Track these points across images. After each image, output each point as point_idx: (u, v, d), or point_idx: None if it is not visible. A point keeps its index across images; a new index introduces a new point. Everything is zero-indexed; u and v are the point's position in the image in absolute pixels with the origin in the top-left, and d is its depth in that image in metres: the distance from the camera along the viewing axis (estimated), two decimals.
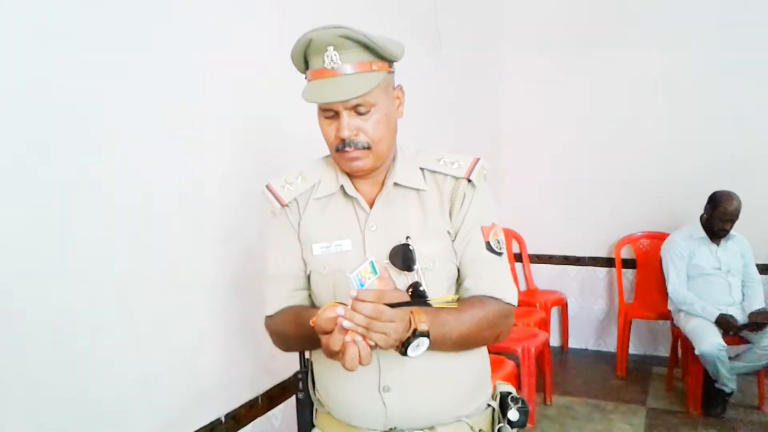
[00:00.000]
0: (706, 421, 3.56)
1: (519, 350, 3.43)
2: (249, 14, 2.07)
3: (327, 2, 2.48)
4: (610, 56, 4.45)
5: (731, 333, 3.47)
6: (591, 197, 4.62)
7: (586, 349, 4.80)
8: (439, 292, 1.33)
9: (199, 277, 1.87)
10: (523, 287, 4.77)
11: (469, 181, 1.39)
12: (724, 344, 3.40)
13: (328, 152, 1.41)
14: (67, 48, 1.44)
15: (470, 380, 1.41)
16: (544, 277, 4.81)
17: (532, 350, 3.47)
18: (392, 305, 1.10)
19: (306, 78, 1.33)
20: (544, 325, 4.20)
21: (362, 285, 1.13)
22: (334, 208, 1.42)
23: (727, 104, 4.20)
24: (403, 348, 1.14)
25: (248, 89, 2.06)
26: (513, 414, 1.39)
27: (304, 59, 1.31)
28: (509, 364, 3.15)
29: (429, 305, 1.14)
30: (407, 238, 1.34)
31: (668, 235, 3.97)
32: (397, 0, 3.17)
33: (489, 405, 1.45)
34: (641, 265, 4.48)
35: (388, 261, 1.33)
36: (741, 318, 3.54)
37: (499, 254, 1.38)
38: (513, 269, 4.64)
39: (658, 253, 4.01)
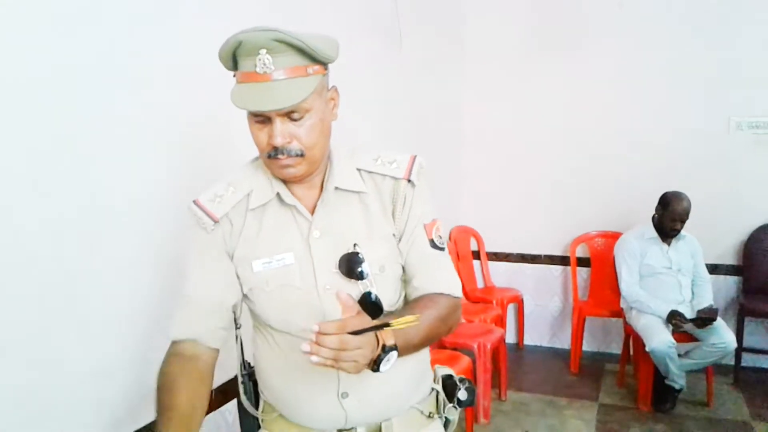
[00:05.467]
0: (656, 416, 3.65)
1: (475, 346, 3.46)
2: (188, 14, 2.03)
3: None
4: (567, 60, 4.52)
5: (680, 329, 3.55)
6: (548, 197, 4.69)
7: (541, 346, 4.86)
8: (389, 295, 1.35)
9: (151, 273, 1.83)
10: (480, 284, 4.81)
11: (409, 180, 1.37)
12: (674, 341, 3.49)
13: (256, 156, 1.37)
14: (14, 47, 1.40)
15: (418, 369, 1.44)
16: (501, 274, 4.85)
17: (488, 346, 3.50)
18: (357, 332, 1.08)
19: (235, 77, 1.25)
20: (501, 321, 4.25)
21: None
22: (271, 218, 1.35)
23: (678, 108, 4.31)
24: (375, 366, 1.14)
25: (189, 86, 2.02)
26: (462, 394, 1.43)
27: (233, 59, 1.23)
28: (465, 360, 3.19)
29: (387, 325, 1.11)
30: (355, 245, 1.31)
31: (622, 234, 4.05)
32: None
33: (433, 389, 1.49)
34: (595, 264, 4.56)
35: (337, 270, 1.31)
36: (690, 316, 3.62)
37: (442, 249, 1.41)
38: (471, 266, 4.71)
39: (611, 252, 4.09)
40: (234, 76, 1.25)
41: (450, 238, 4.57)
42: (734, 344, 3.50)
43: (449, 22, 4.56)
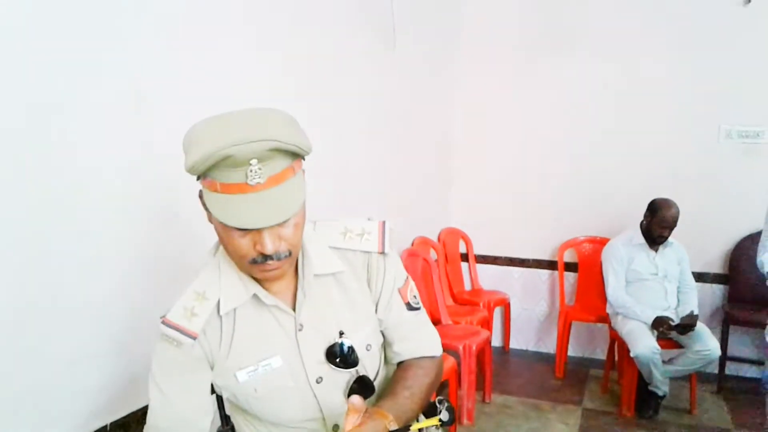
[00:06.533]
0: (639, 422, 3.66)
1: (460, 347, 3.46)
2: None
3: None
4: (559, 65, 4.52)
5: (662, 329, 3.56)
6: (537, 201, 4.69)
7: (527, 350, 4.87)
8: (374, 368, 1.36)
9: (135, 260, 1.81)
10: (468, 286, 4.81)
11: (381, 252, 1.34)
12: (658, 348, 3.50)
13: (215, 246, 1.30)
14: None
15: None
16: (489, 277, 4.85)
17: (473, 348, 3.50)
18: None
19: (203, 181, 1.12)
20: (487, 324, 4.25)
21: None
22: (247, 321, 1.26)
23: (668, 114, 4.32)
24: None
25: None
26: (444, 415, 1.41)
27: (206, 169, 1.07)
28: (450, 360, 3.18)
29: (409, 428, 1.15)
30: (341, 334, 1.29)
31: (609, 240, 4.07)
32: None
33: None
34: (583, 269, 4.57)
35: (325, 360, 1.28)
36: (675, 323, 3.63)
37: (418, 309, 1.41)
38: (459, 268, 4.70)
39: (599, 258, 4.09)
40: (199, 179, 1.13)
41: (439, 240, 4.57)
42: (718, 352, 3.51)
43: (444, 24, 4.56)
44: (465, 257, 4.85)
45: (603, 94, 4.45)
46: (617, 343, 3.97)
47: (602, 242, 4.21)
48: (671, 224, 3.70)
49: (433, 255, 4.16)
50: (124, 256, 1.78)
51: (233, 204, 1.07)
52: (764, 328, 2.71)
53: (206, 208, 1.15)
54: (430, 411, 1.45)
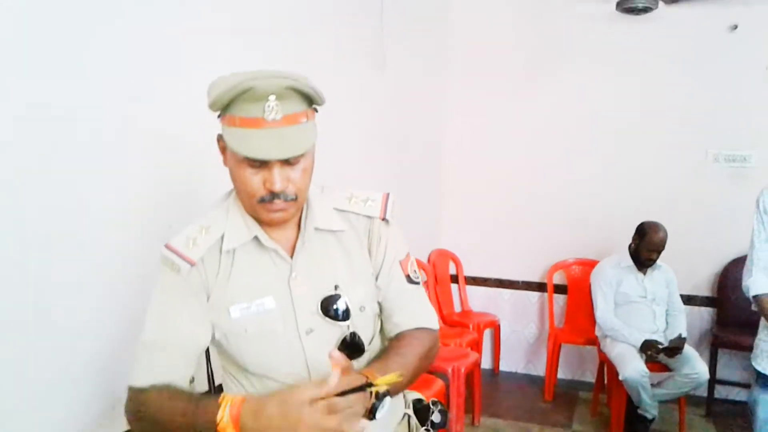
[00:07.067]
0: None
1: (449, 370, 3.44)
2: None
3: (274, 13, 2.47)
4: (548, 88, 4.56)
5: (650, 353, 3.56)
6: (526, 223, 4.70)
7: (517, 372, 4.85)
8: (367, 333, 1.37)
9: (121, 281, 1.80)
10: (458, 308, 4.80)
11: (384, 219, 1.39)
12: (647, 371, 3.49)
13: (227, 192, 1.35)
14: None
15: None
16: (479, 299, 4.85)
17: (462, 370, 3.49)
18: (343, 393, 1.09)
19: (223, 119, 1.22)
20: (476, 346, 4.24)
21: None
22: (246, 261, 1.31)
23: (657, 138, 4.36)
24: (371, 415, 1.15)
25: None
26: (436, 416, 1.43)
27: (227, 102, 1.18)
28: (438, 383, 3.17)
29: (371, 385, 1.13)
30: (336, 287, 1.32)
31: (598, 262, 4.07)
32: (344, 18, 3.17)
33: (405, 413, 1.49)
34: (572, 291, 4.57)
35: (318, 311, 1.31)
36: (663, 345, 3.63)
37: (417, 283, 1.44)
38: (449, 290, 4.69)
39: (588, 280, 4.10)
40: (220, 116, 1.22)
41: (429, 261, 4.56)
42: (706, 375, 3.51)
43: (434, 45, 4.60)
44: (455, 279, 4.84)
45: (592, 118, 4.49)
46: (606, 366, 3.96)
47: (591, 264, 4.21)
48: (659, 247, 3.71)
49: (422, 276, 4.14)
50: (106, 278, 1.76)
51: (249, 137, 1.16)
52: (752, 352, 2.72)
53: (222, 151, 1.27)
54: (423, 412, 1.48)
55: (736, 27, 4.12)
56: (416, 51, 4.21)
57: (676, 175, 4.34)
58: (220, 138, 1.26)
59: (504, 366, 4.86)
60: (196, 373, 1.37)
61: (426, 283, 4.18)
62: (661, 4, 4.02)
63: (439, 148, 4.84)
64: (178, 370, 1.27)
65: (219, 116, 1.23)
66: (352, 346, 1.30)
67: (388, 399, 1.16)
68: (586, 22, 4.40)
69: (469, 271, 4.87)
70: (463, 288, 4.84)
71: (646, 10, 3.99)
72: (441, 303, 4.54)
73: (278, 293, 1.30)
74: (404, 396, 1.52)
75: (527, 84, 4.61)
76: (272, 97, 1.15)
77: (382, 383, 1.13)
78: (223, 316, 1.30)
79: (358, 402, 1.11)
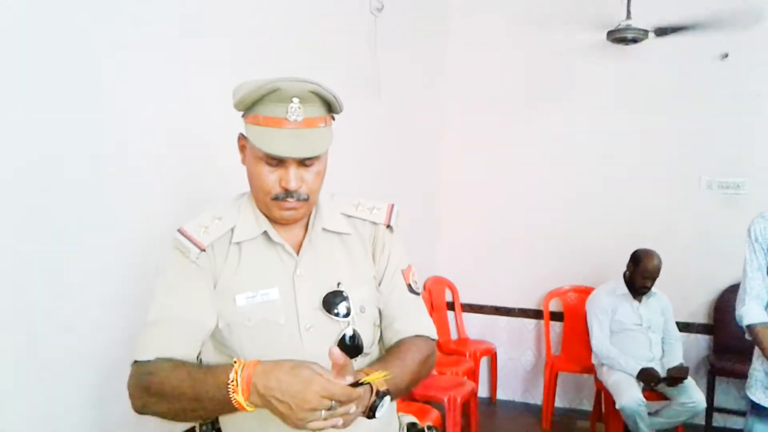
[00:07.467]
0: None
1: (445, 399, 3.42)
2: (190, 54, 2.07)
3: (272, 44, 2.51)
4: (543, 116, 4.60)
5: (652, 385, 3.54)
6: (522, 250, 4.70)
7: (514, 401, 4.81)
8: (366, 336, 1.38)
9: (110, 315, 1.80)
10: (454, 336, 4.78)
11: (388, 226, 1.45)
12: (644, 399, 3.47)
13: (241, 193, 1.41)
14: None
15: (386, 414, 1.41)
16: (475, 326, 4.83)
17: (458, 400, 3.46)
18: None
19: (246, 118, 1.30)
20: (472, 374, 4.21)
21: None
22: (255, 254, 1.36)
23: (651, 166, 4.39)
24: (371, 412, 1.18)
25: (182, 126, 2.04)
26: None
27: (254, 101, 1.27)
28: (434, 413, 3.14)
29: (359, 384, 1.14)
30: (338, 284, 1.36)
31: (594, 289, 4.07)
32: (338, 47, 3.21)
33: None
34: (568, 318, 4.56)
35: (320, 307, 1.34)
36: (660, 374, 3.61)
37: (418, 294, 1.49)
38: (445, 317, 4.68)
39: (584, 307, 4.09)
40: (245, 117, 1.31)
41: (425, 288, 4.55)
42: (703, 404, 3.49)
43: (429, 74, 4.64)
44: (451, 306, 4.83)
45: (586, 145, 4.53)
46: (603, 394, 3.94)
47: (587, 291, 4.21)
48: (653, 275, 3.72)
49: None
50: (104, 312, 1.77)
51: (271, 135, 1.25)
52: None
53: (242, 150, 1.35)
54: None
55: (726, 55, 4.17)
56: (412, 80, 4.25)
57: (670, 202, 4.36)
58: (241, 137, 1.35)
59: (501, 394, 4.82)
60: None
61: None
62: (651, 34, 4.07)
63: (435, 175, 4.86)
64: (184, 348, 1.28)
65: (243, 115, 1.31)
66: (351, 347, 1.33)
67: (387, 399, 1.20)
68: (580, 52, 4.45)
69: (465, 298, 4.86)
70: (460, 315, 4.82)
71: (635, 40, 4.03)
72: (438, 331, 4.49)
73: (282, 286, 1.35)
74: (399, 419, 1.53)
75: (523, 112, 4.65)
76: (296, 100, 1.24)
77: (369, 380, 1.15)
78: (229, 305, 1.33)
79: (359, 398, 1.15)
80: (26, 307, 1.54)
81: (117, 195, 1.81)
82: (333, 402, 1.09)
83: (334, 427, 1.12)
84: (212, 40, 2.19)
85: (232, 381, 1.12)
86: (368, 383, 1.16)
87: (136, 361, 1.27)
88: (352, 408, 1.12)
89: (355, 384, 1.13)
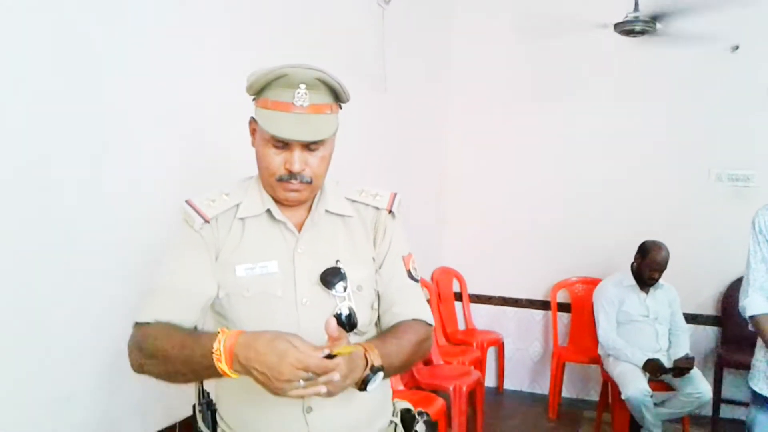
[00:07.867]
0: None
1: (450, 388, 3.44)
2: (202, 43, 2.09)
3: (278, 34, 2.53)
4: (551, 108, 4.60)
5: (657, 375, 3.55)
6: (530, 241, 4.71)
7: (521, 391, 4.83)
8: (362, 315, 1.41)
9: (116, 299, 1.83)
10: (461, 326, 4.80)
11: (390, 212, 1.49)
12: (650, 390, 3.48)
13: (249, 176, 1.45)
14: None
15: (378, 398, 1.47)
16: (483, 317, 4.85)
17: (464, 389, 3.48)
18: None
19: (257, 102, 1.35)
20: (479, 364, 4.23)
21: None
22: (258, 230, 1.41)
23: (660, 157, 4.38)
24: (363, 385, 1.22)
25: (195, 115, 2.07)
26: (421, 427, 1.48)
27: (263, 86, 1.32)
28: (438, 402, 3.16)
29: (333, 356, 1.17)
30: (337, 261, 1.40)
31: (601, 280, 4.08)
32: (345, 42, 3.22)
33: (392, 421, 1.52)
34: (576, 310, 4.57)
35: (318, 282, 1.37)
36: (667, 365, 3.62)
37: (417, 281, 1.52)
38: (453, 308, 4.70)
39: (591, 298, 4.10)
40: (255, 100, 1.35)
41: (432, 279, 4.58)
42: (709, 395, 3.50)
43: (435, 67, 4.65)
44: (459, 297, 4.85)
45: (594, 138, 4.52)
46: (610, 385, 3.95)
47: (595, 283, 4.21)
48: (661, 266, 3.72)
49: (426, 294, 4.16)
50: (108, 297, 1.80)
51: (278, 119, 1.30)
52: None
53: (252, 133, 1.39)
54: (409, 422, 1.51)
55: (737, 47, 4.15)
56: (417, 74, 4.26)
57: (679, 194, 4.35)
58: (251, 120, 1.39)
59: (508, 384, 4.84)
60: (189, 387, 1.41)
61: (429, 301, 4.19)
62: (659, 25, 4.04)
63: (441, 167, 4.88)
64: (183, 313, 1.34)
65: (254, 99, 1.36)
66: (346, 323, 1.35)
67: (380, 374, 1.24)
68: (587, 45, 4.45)
69: (472, 288, 4.88)
70: (467, 306, 4.85)
71: (643, 32, 4.01)
72: (445, 321, 4.54)
73: (282, 261, 1.39)
74: (394, 405, 1.56)
75: (529, 104, 4.65)
76: (303, 86, 1.29)
77: (341, 353, 1.17)
78: (229, 275, 1.37)
79: (356, 369, 1.20)
80: (30, 291, 1.57)
81: (117, 195, 1.84)
82: (309, 373, 1.13)
83: (318, 395, 1.16)
84: (215, 36, 2.21)
85: (216, 350, 1.18)
86: (347, 355, 1.19)
87: (136, 323, 1.34)
88: (336, 377, 1.15)
89: (330, 356, 1.16)
